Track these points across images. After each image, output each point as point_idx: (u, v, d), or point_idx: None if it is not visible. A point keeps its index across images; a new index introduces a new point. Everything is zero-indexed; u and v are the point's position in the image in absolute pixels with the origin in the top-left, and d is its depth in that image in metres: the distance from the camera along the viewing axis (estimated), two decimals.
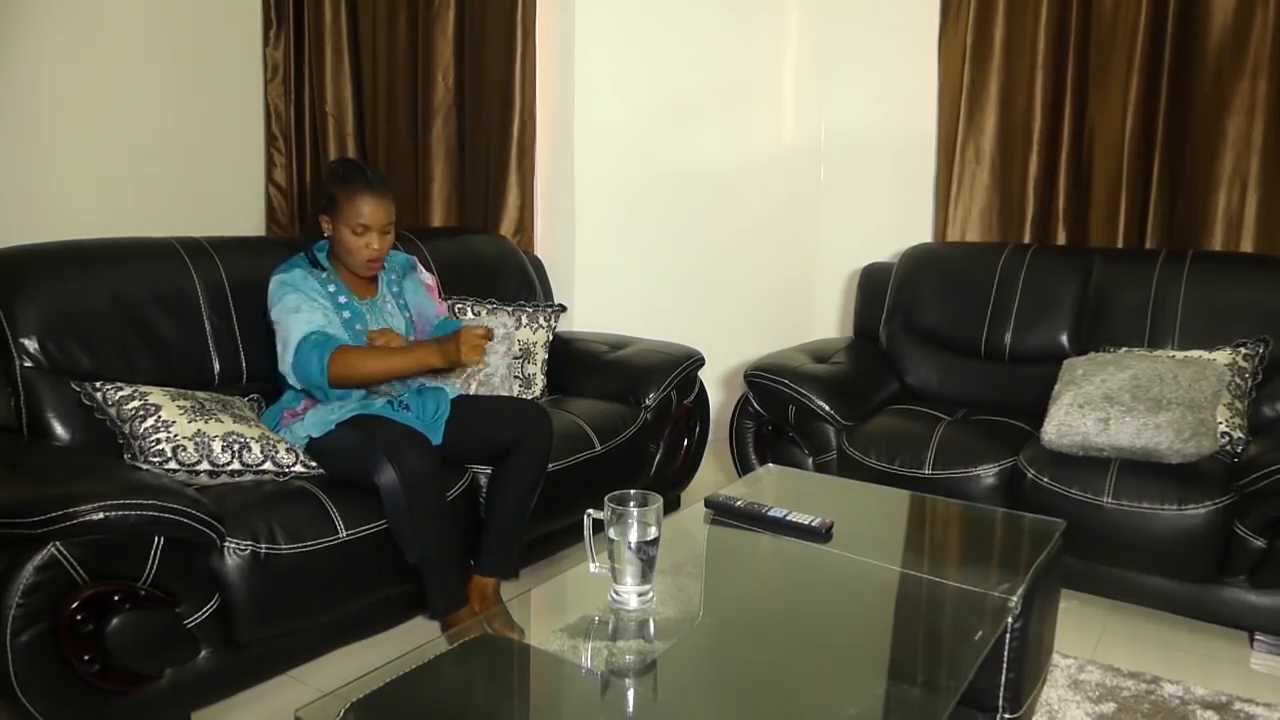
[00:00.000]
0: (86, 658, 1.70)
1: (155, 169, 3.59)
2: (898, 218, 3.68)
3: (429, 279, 2.62)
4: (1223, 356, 2.57)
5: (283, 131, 3.99)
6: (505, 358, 2.84)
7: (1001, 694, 1.62)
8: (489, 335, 2.16)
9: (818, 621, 1.59)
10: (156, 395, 2.12)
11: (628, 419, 2.80)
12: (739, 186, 3.82)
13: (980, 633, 1.49)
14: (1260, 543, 2.18)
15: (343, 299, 2.33)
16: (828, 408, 2.76)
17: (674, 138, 3.60)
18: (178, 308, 2.36)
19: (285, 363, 2.21)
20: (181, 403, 2.13)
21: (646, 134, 3.53)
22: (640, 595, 1.51)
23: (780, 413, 2.86)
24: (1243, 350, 2.59)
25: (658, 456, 2.97)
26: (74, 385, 2.11)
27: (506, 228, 3.47)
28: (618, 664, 1.41)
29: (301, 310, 2.22)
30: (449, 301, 2.84)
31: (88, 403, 2.10)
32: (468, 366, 2.19)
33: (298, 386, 2.24)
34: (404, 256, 2.60)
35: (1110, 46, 3.07)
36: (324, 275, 2.32)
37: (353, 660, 2.17)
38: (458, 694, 1.36)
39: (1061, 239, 3.23)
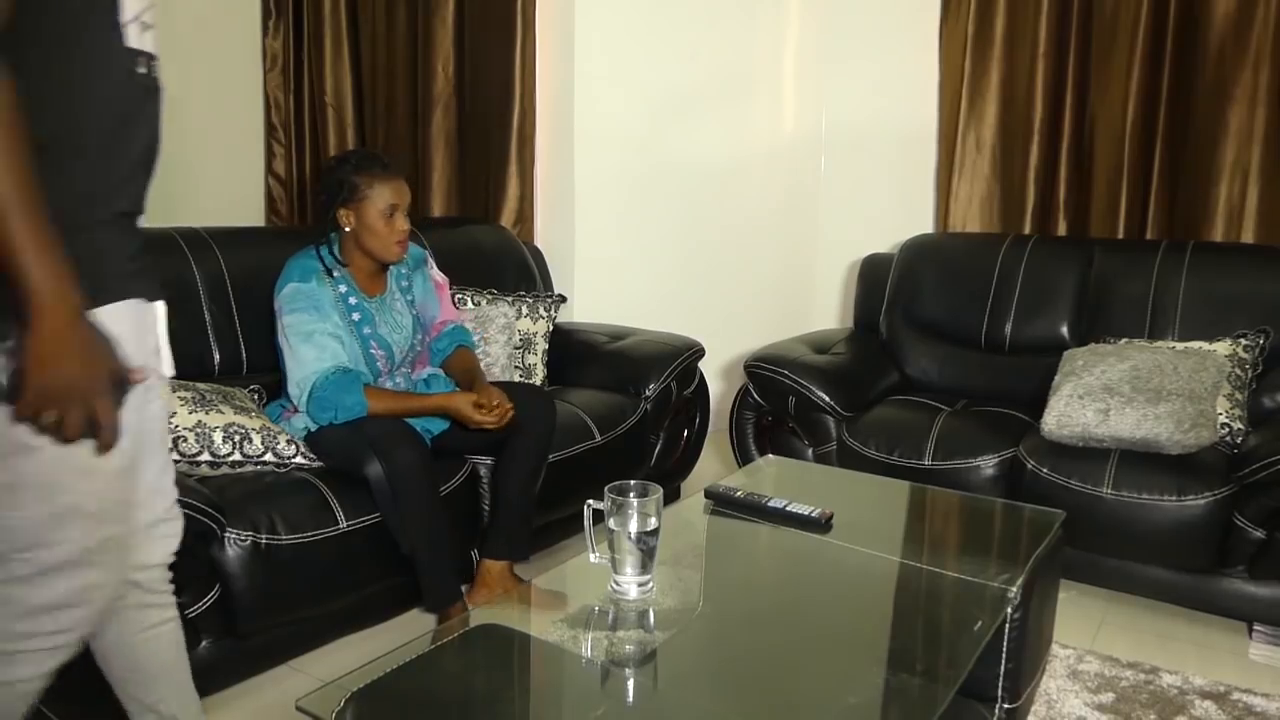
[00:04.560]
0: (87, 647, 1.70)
1: None
2: (898, 208, 3.68)
3: (440, 277, 2.60)
4: (1223, 347, 2.57)
5: (282, 122, 3.98)
6: (506, 348, 2.84)
7: (1000, 684, 1.63)
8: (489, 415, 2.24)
9: (817, 612, 1.59)
10: None
11: (628, 410, 2.80)
12: (739, 177, 3.82)
13: (979, 623, 1.49)
14: (1259, 534, 2.19)
15: (353, 300, 2.32)
16: (828, 399, 2.76)
17: (675, 128, 3.59)
18: (178, 299, 2.32)
19: (295, 385, 2.20)
20: (182, 394, 2.13)
21: (647, 124, 3.52)
22: (640, 585, 1.51)
23: (780, 403, 2.86)
24: (1243, 341, 2.59)
25: (658, 447, 2.97)
26: None
27: (506, 218, 3.47)
28: (618, 654, 1.42)
29: (315, 336, 2.19)
30: (450, 292, 2.84)
31: None
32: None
33: (304, 411, 2.23)
34: (418, 249, 2.58)
35: (1112, 36, 3.06)
36: (335, 279, 2.31)
37: (353, 650, 2.17)
38: (457, 684, 1.36)
39: (1062, 230, 3.22)
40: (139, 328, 1.25)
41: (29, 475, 1.15)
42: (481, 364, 2.58)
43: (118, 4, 1.18)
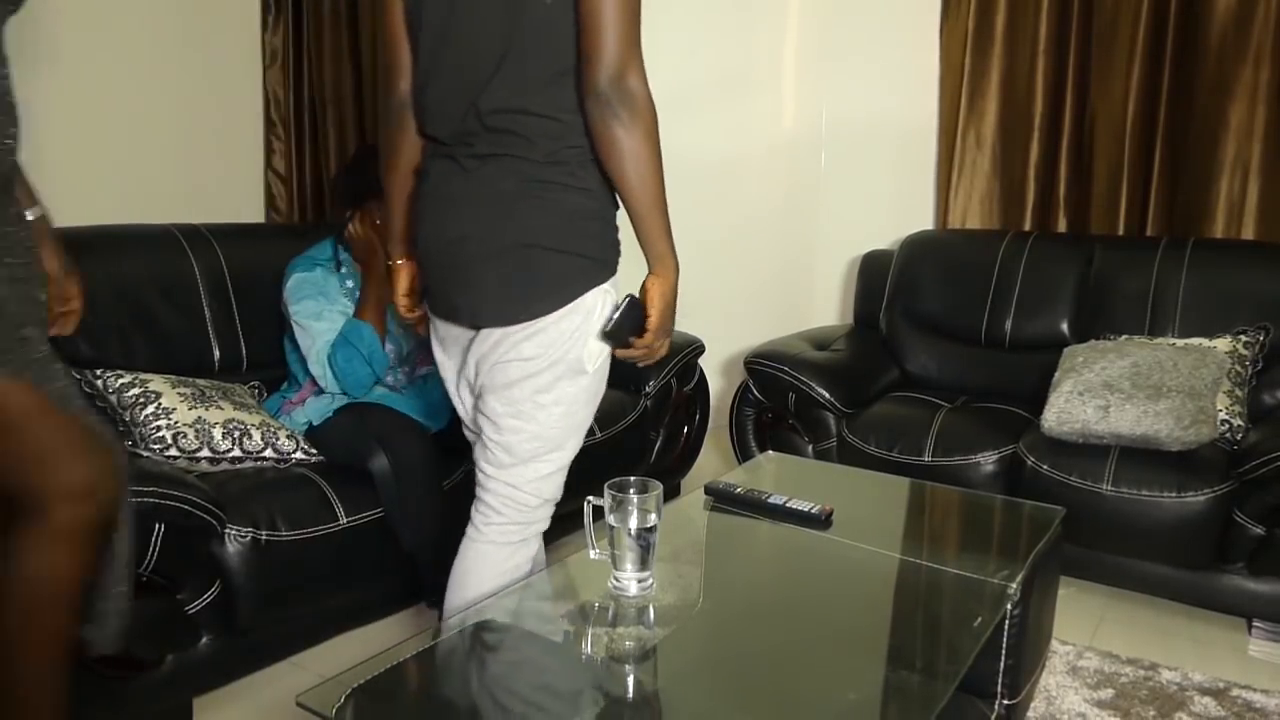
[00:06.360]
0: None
1: (154, 156, 3.58)
2: (898, 205, 3.67)
3: None
4: (1223, 344, 2.57)
5: (282, 118, 3.97)
6: None
7: (1000, 680, 1.63)
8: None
9: (817, 608, 1.60)
10: (157, 382, 2.12)
11: (628, 406, 2.80)
12: (739, 173, 3.81)
13: (979, 619, 1.50)
14: (1259, 530, 2.19)
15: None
16: (828, 395, 2.76)
17: (673, 124, 3.56)
18: (178, 295, 2.36)
19: (316, 362, 2.25)
20: (182, 390, 2.13)
21: None
22: (640, 582, 1.51)
23: (780, 400, 2.86)
24: (1243, 338, 2.59)
25: (658, 444, 2.97)
26: (74, 373, 2.11)
27: None
28: (617, 650, 1.42)
29: (324, 314, 2.26)
30: None
31: (88, 390, 2.10)
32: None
33: (334, 390, 2.26)
34: None
35: (1112, 33, 3.05)
36: (343, 273, 2.33)
37: (353, 646, 2.18)
38: (457, 679, 1.36)
39: (1062, 226, 3.22)
40: None
41: (568, 396, 1.53)
42: None
43: None
